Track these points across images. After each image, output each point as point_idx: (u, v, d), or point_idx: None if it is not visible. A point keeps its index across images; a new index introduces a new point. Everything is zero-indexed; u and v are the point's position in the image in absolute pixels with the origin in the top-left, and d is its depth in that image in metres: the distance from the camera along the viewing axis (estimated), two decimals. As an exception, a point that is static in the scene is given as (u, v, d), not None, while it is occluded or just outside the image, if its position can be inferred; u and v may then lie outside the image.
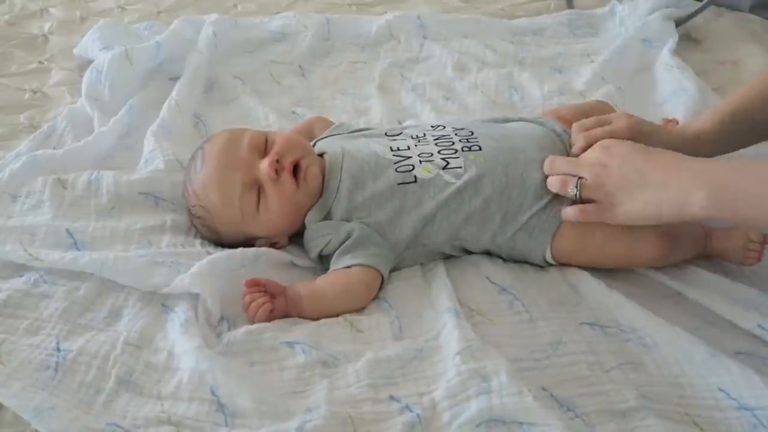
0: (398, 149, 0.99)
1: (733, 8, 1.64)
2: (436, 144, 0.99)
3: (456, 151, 0.97)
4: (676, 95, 1.30)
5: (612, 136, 0.94)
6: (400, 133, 1.03)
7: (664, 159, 0.86)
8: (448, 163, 0.96)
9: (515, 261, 0.97)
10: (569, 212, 0.91)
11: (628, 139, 0.93)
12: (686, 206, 0.81)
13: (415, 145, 0.99)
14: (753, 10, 1.62)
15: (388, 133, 1.04)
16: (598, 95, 1.32)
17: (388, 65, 1.48)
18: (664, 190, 0.83)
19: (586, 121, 0.99)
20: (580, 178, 0.90)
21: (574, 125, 0.99)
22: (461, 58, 1.50)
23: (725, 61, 1.47)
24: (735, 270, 0.94)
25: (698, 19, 1.58)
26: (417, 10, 1.66)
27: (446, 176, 0.95)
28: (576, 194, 0.90)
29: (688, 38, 1.55)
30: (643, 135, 0.95)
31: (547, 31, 1.61)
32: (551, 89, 1.36)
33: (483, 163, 0.95)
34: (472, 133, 1.00)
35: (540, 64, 1.49)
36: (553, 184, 0.92)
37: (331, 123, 1.16)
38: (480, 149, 0.97)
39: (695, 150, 0.93)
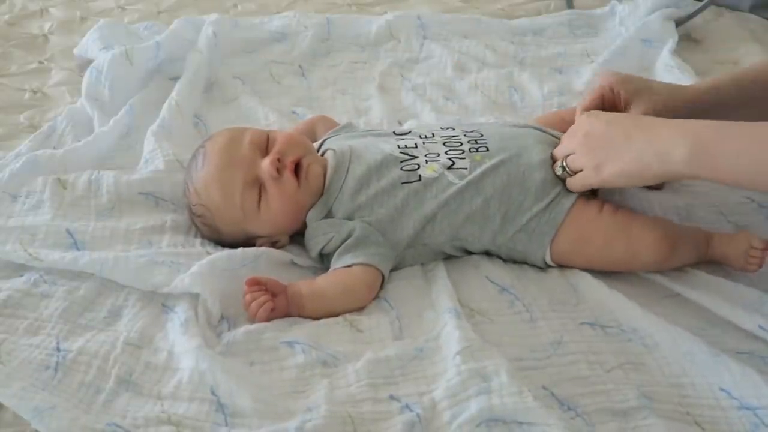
0: (406, 147, 0.99)
1: (733, 8, 1.64)
2: (444, 144, 0.99)
3: (463, 151, 0.97)
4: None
5: (600, 88, 0.97)
6: (409, 132, 1.03)
7: (648, 120, 0.88)
8: (453, 163, 0.96)
9: (515, 261, 0.97)
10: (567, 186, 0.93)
11: (612, 80, 0.97)
12: (669, 162, 0.82)
13: (423, 144, 0.99)
14: (753, 10, 1.62)
15: (396, 132, 1.04)
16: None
17: (388, 65, 1.48)
18: (647, 146, 0.84)
19: (583, 100, 1.01)
20: (566, 156, 0.92)
21: (578, 111, 1.01)
22: (461, 58, 1.50)
23: (725, 61, 1.47)
24: (735, 272, 0.94)
25: (698, 19, 1.58)
26: (417, 10, 1.66)
27: (450, 176, 0.95)
28: (565, 171, 0.92)
29: (688, 38, 1.55)
30: (625, 76, 0.99)
31: (547, 31, 1.61)
32: (551, 89, 1.36)
33: (488, 164, 0.95)
34: (482, 135, 1.00)
35: (540, 64, 1.49)
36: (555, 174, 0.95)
37: (334, 122, 1.16)
38: (487, 150, 0.97)
39: (687, 106, 0.96)
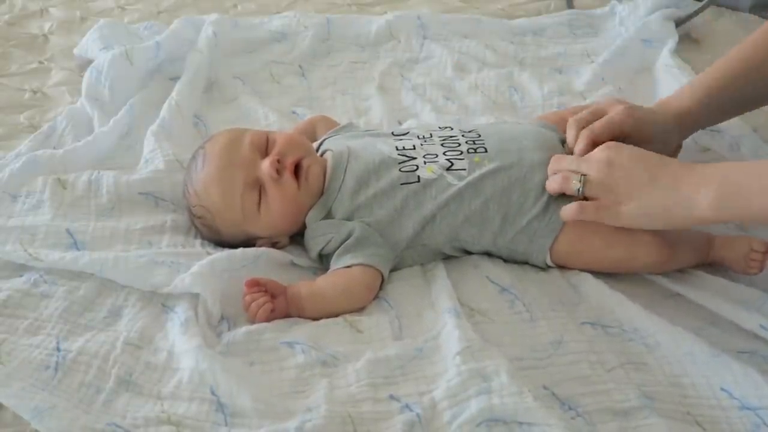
0: (404, 149, 0.99)
1: (733, 8, 1.64)
2: (442, 145, 0.99)
3: (461, 152, 0.97)
4: (676, 95, 1.30)
5: (611, 124, 0.93)
6: (407, 133, 1.03)
7: (672, 162, 0.85)
8: (452, 164, 0.96)
9: (516, 262, 0.97)
10: (567, 210, 0.89)
11: (627, 122, 0.93)
12: (695, 208, 0.79)
13: (421, 145, 0.99)
14: (753, 10, 1.62)
15: (394, 133, 1.04)
16: (598, 96, 1.32)
17: (388, 65, 1.48)
18: (673, 191, 0.81)
19: (581, 116, 0.97)
20: (584, 175, 0.88)
21: (570, 121, 0.97)
22: (461, 58, 1.50)
23: (725, 61, 1.47)
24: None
25: (698, 19, 1.58)
26: (417, 10, 1.66)
27: (449, 177, 0.95)
28: (579, 189, 0.88)
29: (688, 38, 1.55)
30: (638, 117, 0.95)
31: (547, 31, 1.61)
32: (551, 89, 1.36)
33: (487, 165, 0.95)
34: (480, 136, 1.00)
35: (540, 64, 1.49)
36: (555, 181, 0.91)
37: (334, 122, 1.16)
38: (486, 151, 0.97)
39: (679, 125, 0.96)
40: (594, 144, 0.91)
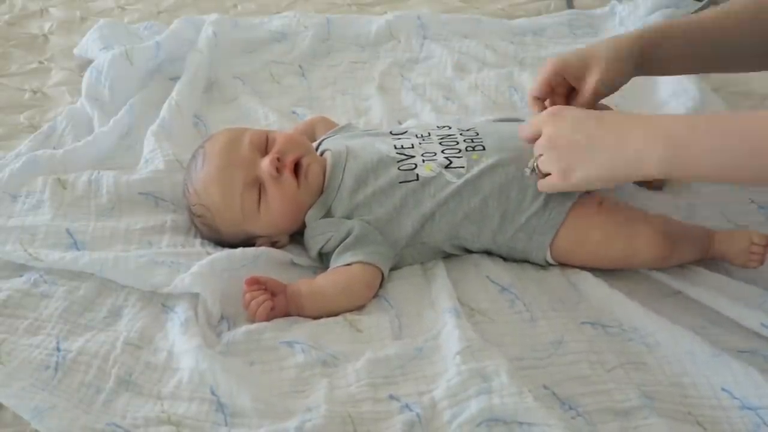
0: (402, 147, 0.99)
1: (733, 8, 1.63)
2: (440, 143, 0.99)
3: (460, 150, 0.97)
4: (676, 96, 1.30)
5: (541, 82, 0.98)
6: (405, 132, 1.03)
7: (615, 120, 0.84)
8: (450, 162, 0.96)
9: (516, 260, 0.97)
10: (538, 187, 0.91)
11: (555, 73, 0.98)
12: (640, 168, 0.80)
13: (419, 144, 0.99)
14: (753, 10, 1.62)
15: (393, 132, 1.04)
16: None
17: (388, 65, 1.48)
18: (617, 152, 0.82)
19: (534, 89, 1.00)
20: (536, 157, 0.90)
21: (529, 101, 1.01)
22: (461, 58, 1.50)
23: (725, 61, 1.47)
24: (737, 269, 0.93)
25: (698, 19, 1.58)
26: (417, 10, 1.66)
27: (448, 175, 0.95)
28: (533, 172, 0.90)
29: (688, 38, 1.55)
30: (574, 63, 0.99)
31: (547, 31, 1.61)
32: (551, 89, 1.36)
33: (485, 163, 0.95)
34: (478, 134, 1.00)
35: (540, 64, 1.47)
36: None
37: (334, 123, 1.16)
38: (484, 149, 0.97)
39: (628, 50, 0.96)
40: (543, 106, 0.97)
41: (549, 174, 0.88)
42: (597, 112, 0.88)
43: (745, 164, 0.74)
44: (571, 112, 0.88)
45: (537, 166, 0.90)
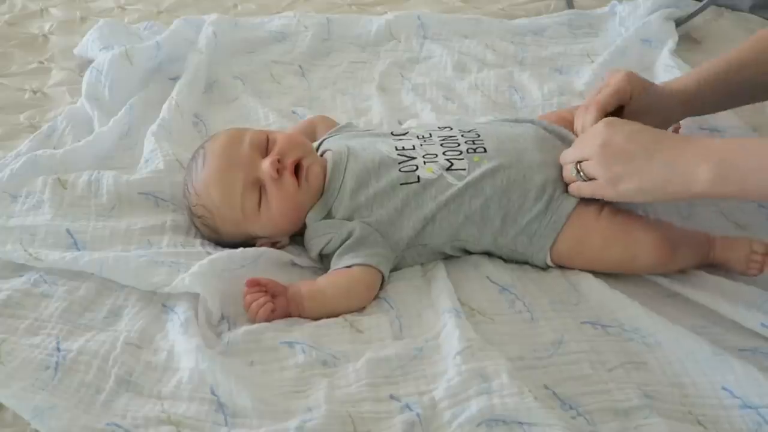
0: (403, 149, 0.99)
1: (733, 8, 1.64)
2: (441, 145, 0.99)
3: (461, 152, 0.97)
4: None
5: (614, 91, 0.97)
6: (406, 133, 1.03)
7: (669, 137, 0.86)
8: (452, 164, 0.96)
9: (516, 262, 0.97)
10: (570, 189, 0.93)
11: (625, 87, 0.98)
12: (692, 182, 0.81)
13: (421, 145, 0.99)
14: (753, 10, 1.62)
15: (394, 133, 1.04)
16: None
17: (388, 65, 1.48)
18: (669, 167, 0.82)
19: (586, 102, 1.01)
20: (580, 161, 0.90)
21: (578, 110, 1.01)
22: (461, 58, 1.50)
23: (725, 61, 1.47)
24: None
25: (698, 19, 1.58)
26: (417, 10, 1.66)
27: (449, 177, 0.95)
28: (579, 174, 0.90)
29: (688, 38, 1.55)
30: (636, 79, 1.00)
31: (547, 31, 1.61)
32: (551, 89, 1.36)
33: (486, 165, 0.95)
34: (479, 135, 1.00)
35: (540, 64, 1.49)
36: (564, 174, 0.94)
37: (334, 122, 1.16)
38: (485, 151, 0.97)
39: (682, 106, 1.01)
40: (605, 114, 0.96)
41: (592, 180, 0.89)
42: (653, 128, 0.89)
43: None
44: (628, 124, 0.89)
45: (582, 168, 0.90)
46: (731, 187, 0.79)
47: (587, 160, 0.89)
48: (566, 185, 0.94)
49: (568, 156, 0.94)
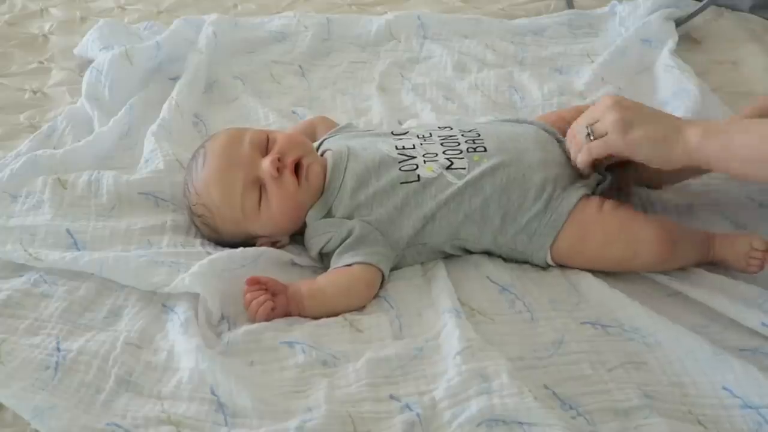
0: (404, 148, 0.99)
1: (733, 8, 1.64)
2: (441, 144, 0.99)
3: (461, 151, 0.97)
4: (676, 96, 1.30)
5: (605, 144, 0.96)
6: (407, 133, 1.03)
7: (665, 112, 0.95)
8: (452, 163, 0.96)
9: (516, 261, 0.97)
10: (578, 158, 0.94)
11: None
12: (686, 142, 0.86)
13: (421, 144, 0.99)
14: (753, 10, 1.62)
15: (394, 132, 1.04)
16: (598, 96, 1.32)
17: (388, 65, 1.48)
18: (672, 127, 0.88)
19: (574, 128, 0.97)
20: (591, 125, 0.92)
21: (567, 136, 0.99)
22: (461, 58, 1.50)
23: (725, 62, 1.47)
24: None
25: (698, 19, 1.58)
26: (417, 10, 1.66)
27: (449, 176, 0.95)
28: (588, 135, 0.92)
29: (688, 38, 1.55)
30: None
31: (547, 31, 1.61)
32: (551, 89, 1.36)
33: (486, 164, 0.95)
34: (479, 135, 1.00)
35: (540, 64, 1.49)
36: (572, 150, 0.96)
37: (334, 122, 1.16)
38: (485, 150, 0.97)
39: None
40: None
41: (602, 137, 0.91)
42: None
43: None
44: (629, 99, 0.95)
45: (592, 130, 0.92)
46: (716, 141, 0.85)
47: (598, 121, 0.91)
48: (566, 184, 0.94)
49: (580, 121, 0.95)
